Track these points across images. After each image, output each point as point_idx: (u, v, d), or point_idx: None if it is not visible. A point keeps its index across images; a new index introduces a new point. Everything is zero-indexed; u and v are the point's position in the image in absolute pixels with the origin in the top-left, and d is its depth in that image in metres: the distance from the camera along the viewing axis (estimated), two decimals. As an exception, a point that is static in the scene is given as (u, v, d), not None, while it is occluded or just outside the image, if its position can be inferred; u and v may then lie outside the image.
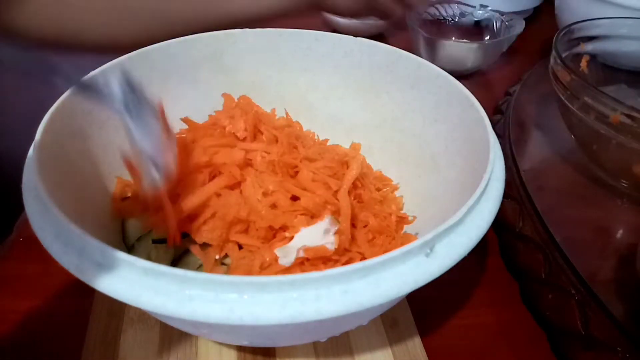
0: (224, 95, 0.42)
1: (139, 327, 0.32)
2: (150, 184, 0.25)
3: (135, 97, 0.23)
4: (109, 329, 0.32)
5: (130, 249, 0.32)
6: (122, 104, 0.23)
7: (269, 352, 0.31)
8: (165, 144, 0.25)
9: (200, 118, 0.41)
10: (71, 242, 0.22)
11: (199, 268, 0.31)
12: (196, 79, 0.41)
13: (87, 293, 0.34)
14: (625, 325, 0.30)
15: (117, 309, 0.33)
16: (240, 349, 0.31)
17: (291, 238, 0.31)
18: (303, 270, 0.30)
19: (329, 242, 0.30)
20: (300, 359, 0.31)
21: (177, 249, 0.32)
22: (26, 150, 0.27)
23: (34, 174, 0.25)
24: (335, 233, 0.31)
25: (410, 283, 0.22)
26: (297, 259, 0.30)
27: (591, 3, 0.60)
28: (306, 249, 0.30)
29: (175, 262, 0.32)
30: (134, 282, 0.21)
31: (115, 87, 0.23)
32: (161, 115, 0.26)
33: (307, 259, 0.30)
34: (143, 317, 0.33)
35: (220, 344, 0.31)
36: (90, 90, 0.22)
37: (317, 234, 0.31)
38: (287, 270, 0.30)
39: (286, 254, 0.30)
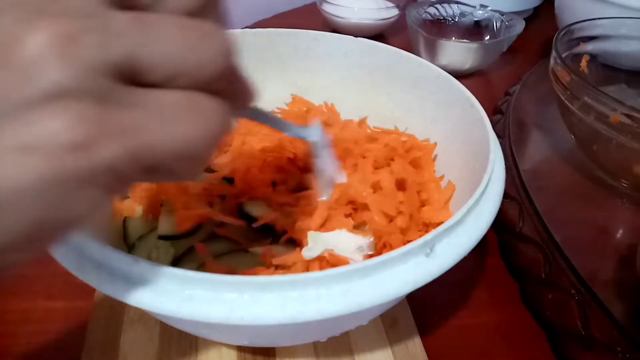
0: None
1: (139, 327, 0.32)
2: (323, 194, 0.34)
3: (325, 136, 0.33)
4: (109, 329, 0.32)
5: (130, 249, 0.32)
6: (318, 142, 0.32)
7: (269, 352, 0.31)
8: (335, 171, 0.34)
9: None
10: (71, 242, 0.22)
11: (199, 268, 0.31)
12: (196, 79, 0.41)
13: (87, 293, 0.34)
14: (625, 325, 0.30)
15: (117, 309, 0.33)
16: (240, 349, 0.31)
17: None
18: (321, 268, 0.30)
19: (357, 260, 0.30)
20: (300, 359, 0.31)
21: (178, 249, 0.32)
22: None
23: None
24: (365, 257, 0.31)
25: (410, 283, 0.22)
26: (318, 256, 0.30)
27: (591, 3, 0.60)
28: (331, 254, 0.30)
29: (176, 262, 0.32)
30: (134, 282, 0.21)
31: (317, 131, 0.32)
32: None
33: (327, 261, 0.30)
34: (143, 317, 0.33)
35: (220, 344, 0.31)
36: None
37: (350, 245, 0.31)
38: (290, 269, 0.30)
39: (315, 244, 0.30)
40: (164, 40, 0.14)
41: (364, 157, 0.36)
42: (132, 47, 0.13)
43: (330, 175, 0.33)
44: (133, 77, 0.14)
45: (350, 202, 0.33)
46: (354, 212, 0.33)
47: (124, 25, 0.13)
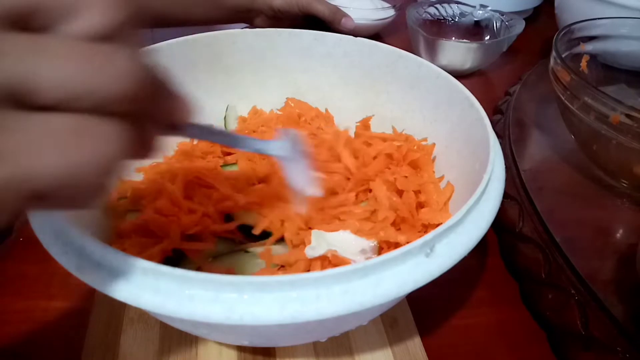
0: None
1: (139, 327, 0.32)
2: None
3: (295, 148, 0.30)
4: (109, 329, 0.32)
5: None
6: (287, 156, 0.29)
7: (269, 352, 0.31)
8: (309, 180, 0.32)
9: (200, 118, 0.41)
10: (71, 242, 0.22)
11: (199, 268, 0.31)
12: (196, 79, 0.41)
13: (87, 293, 0.34)
14: (625, 325, 0.30)
15: (117, 309, 0.33)
16: (240, 349, 0.31)
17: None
18: (323, 268, 0.30)
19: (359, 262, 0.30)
20: (300, 359, 0.31)
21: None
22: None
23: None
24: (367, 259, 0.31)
25: (410, 283, 0.22)
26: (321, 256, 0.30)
27: (591, 3, 0.60)
28: (334, 255, 0.30)
29: (176, 262, 0.32)
30: (134, 282, 0.21)
31: (287, 144, 0.29)
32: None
33: (330, 261, 0.30)
34: (143, 317, 0.33)
35: (220, 344, 0.31)
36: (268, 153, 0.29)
37: (354, 247, 0.30)
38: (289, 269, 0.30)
39: (318, 243, 0.30)
40: (56, 63, 0.13)
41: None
42: (19, 70, 0.13)
43: (303, 189, 0.31)
44: (22, 100, 0.13)
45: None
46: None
47: (14, 47, 0.13)
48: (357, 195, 0.35)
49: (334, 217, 0.34)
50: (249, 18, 0.64)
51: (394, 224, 0.33)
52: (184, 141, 0.41)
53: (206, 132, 0.24)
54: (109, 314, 0.33)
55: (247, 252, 0.32)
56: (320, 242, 0.30)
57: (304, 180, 0.31)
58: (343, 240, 0.30)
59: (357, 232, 0.32)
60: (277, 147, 0.29)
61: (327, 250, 0.30)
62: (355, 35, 0.41)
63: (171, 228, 0.31)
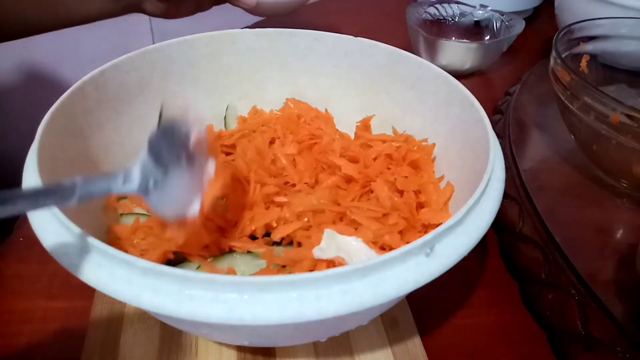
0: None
1: (139, 327, 0.32)
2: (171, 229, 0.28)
3: (159, 165, 0.25)
4: (109, 329, 0.32)
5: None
6: (139, 189, 0.24)
7: (269, 352, 0.31)
8: (190, 196, 0.27)
9: (199, 118, 0.41)
10: (71, 242, 0.22)
11: (199, 268, 0.31)
12: (196, 79, 0.41)
13: (87, 293, 0.34)
14: (625, 325, 0.30)
15: (117, 309, 0.33)
16: (240, 349, 0.31)
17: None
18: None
19: None
20: (300, 359, 0.31)
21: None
22: (26, 150, 0.27)
23: (34, 174, 0.25)
24: None
25: (410, 283, 0.22)
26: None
27: (591, 3, 0.60)
28: (340, 263, 0.29)
29: (176, 262, 0.32)
30: (134, 282, 0.21)
31: (136, 174, 0.24)
32: (202, 145, 0.28)
33: (335, 266, 0.30)
34: (143, 317, 0.33)
35: (220, 344, 0.31)
36: (109, 191, 0.24)
37: (362, 257, 0.30)
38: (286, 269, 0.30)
39: (328, 245, 0.30)
40: None
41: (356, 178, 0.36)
42: None
43: (173, 218, 0.27)
44: None
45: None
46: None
47: None
48: (360, 196, 0.35)
49: (342, 213, 0.34)
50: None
51: (400, 231, 0.32)
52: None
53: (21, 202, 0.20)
54: (109, 314, 0.33)
55: (248, 252, 0.32)
56: (330, 243, 0.30)
57: (181, 200, 0.26)
58: (353, 248, 0.30)
59: (369, 243, 0.31)
60: (124, 180, 0.23)
61: (335, 256, 0.29)
62: (263, 15, 0.40)
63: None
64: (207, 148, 0.29)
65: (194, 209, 0.27)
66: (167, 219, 0.27)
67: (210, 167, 0.29)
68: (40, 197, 0.21)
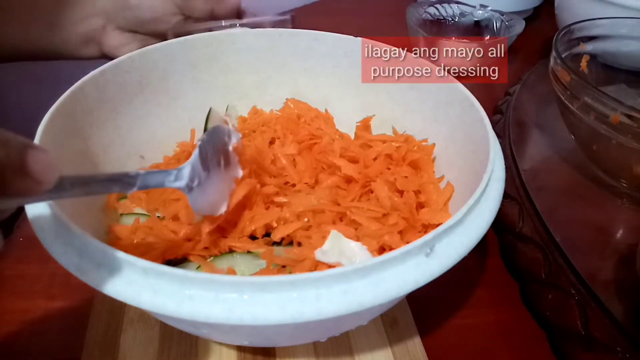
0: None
1: (139, 327, 0.32)
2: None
3: (205, 167, 0.27)
4: (109, 329, 0.32)
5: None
6: (186, 187, 0.26)
7: (269, 352, 0.31)
8: (222, 197, 0.30)
9: (200, 118, 0.41)
10: (71, 242, 0.22)
11: (199, 268, 0.31)
12: (196, 79, 0.41)
13: (87, 293, 0.34)
14: (625, 325, 0.30)
15: (117, 309, 0.33)
16: (240, 349, 0.31)
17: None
18: None
19: None
20: (300, 359, 0.31)
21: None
22: (26, 150, 0.27)
23: (34, 174, 0.25)
24: None
25: (410, 283, 0.22)
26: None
27: (591, 3, 0.60)
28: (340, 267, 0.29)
29: (176, 262, 0.32)
30: (134, 282, 0.21)
31: (186, 173, 0.26)
32: (233, 159, 0.31)
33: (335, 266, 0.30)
34: (143, 317, 0.33)
35: (220, 344, 0.31)
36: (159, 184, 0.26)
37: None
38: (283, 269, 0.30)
39: (332, 247, 0.29)
40: None
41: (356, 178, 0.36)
42: None
43: (213, 211, 0.30)
44: None
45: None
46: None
47: None
48: (360, 196, 0.35)
49: (342, 213, 0.34)
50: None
51: (400, 231, 0.32)
52: (184, 141, 0.41)
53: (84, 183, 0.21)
54: (109, 314, 0.33)
55: (248, 252, 0.32)
56: (334, 246, 0.29)
57: (215, 200, 0.29)
58: (357, 254, 0.30)
59: (374, 252, 0.31)
60: (175, 177, 0.26)
61: (336, 261, 0.29)
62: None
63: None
64: (240, 156, 0.32)
65: (223, 209, 0.30)
66: (200, 214, 0.30)
67: (239, 173, 0.32)
68: (109, 183, 0.23)
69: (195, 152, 0.27)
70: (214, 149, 0.29)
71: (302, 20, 0.48)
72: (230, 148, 0.31)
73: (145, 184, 0.24)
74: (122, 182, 0.23)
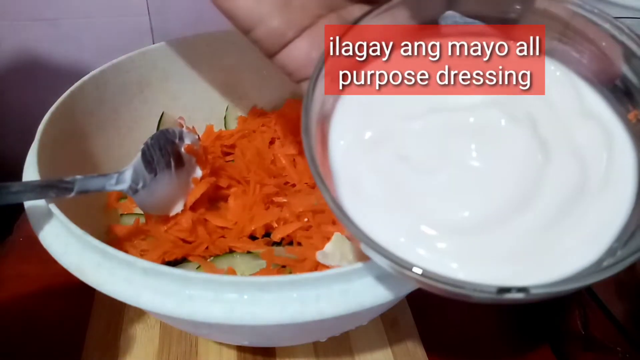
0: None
1: (139, 327, 0.32)
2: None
3: (150, 169, 0.28)
4: (109, 329, 0.32)
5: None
6: (129, 189, 0.27)
7: (269, 352, 0.31)
8: (174, 198, 0.31)
9: (200, 118, 0.41)
10: (71, 242, 0.22)
11: (199, 268, 0.31)
12: (196, 79, 0.41)
13: (87, 293, 0.34)
14: (625, 325, 0.30)
15: (117, 309, 0.33)
16: (240, 349, 0.31)
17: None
18: None
19: None
20: (300, 359, 0.31)
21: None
22: (26, 150, 0.27)
23: (34, 174, 0.25)
24: None
25: (410, 283, 0.22)
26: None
27: (591, 3, 0.59)
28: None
29: (176, 262, 0.32)
30: (134, 282, 0.21)
31: (128, 176, 0.27)
32: (189, 160, 0.32)
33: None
34: (143, 317, 0.33)
35: (220, 344, 0.31)
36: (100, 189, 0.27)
37: None
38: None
39: (334, 249, 0.29)
40: None
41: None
42: None
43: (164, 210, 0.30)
44: None
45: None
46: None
47: None
48: None
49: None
50: None
51: None
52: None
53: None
54: (109, 314, 0.33)
55: (248, 252, 0.32)
56: (336, 249, 0.29)
57: (165, 200, 0.30)
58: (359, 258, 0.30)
59: None
60: (116, 181, 0.27)
61: (337, 265, 0.29)
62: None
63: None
64: (199, 157, 0.32)
65: (178, 208, 0.31)
66: (150, 214, 0.30)
67: (198, 173, 0.32)
68: (44, 189, 0.23)
69: (138, 155, 0.28)
70: (162, 151, 0.29)
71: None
72: (182, 149, 0.31)
73: (85, 188, 0.25)
74: (58, 187, 0.24)
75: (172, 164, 0.30)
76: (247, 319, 0.20)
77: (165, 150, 0.30)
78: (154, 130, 0.39)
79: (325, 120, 0.21)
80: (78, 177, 0.25)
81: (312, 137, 0.19)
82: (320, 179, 0.18)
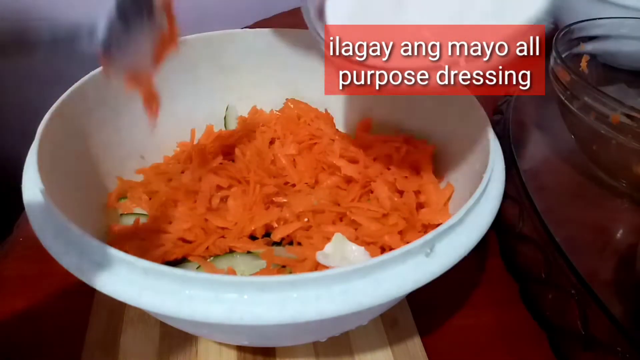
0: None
1: (139, 327, 0.32)
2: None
3: (124, 21, 0.25)
4: (109, 329, 0.32)
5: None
6: (102, 44, 0.24)
7: (269, 352, 0.31)
8: (146, 53, 0.28)
9: (200, 118, 0.41)
10: (71, 242, 0.22)
11: (199, 268, 0.31)
12: (196, 79, 0.41)
13: (87, 293, 0.34)
14: (625, 325, 0.30)
15: (117, 309, 0.33)
16: (240, 349, 0.31)
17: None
18: None
19: None
20: (300, 359, 0.31)
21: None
22: (26, 150, 0.27)
23: (34, 174, 0.25)
24: None
25: (410, 283, 0.22)
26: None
27: (591, 3, 0.59)
28: None
29: (176, 262, 0.32)
30: (134, 282, 0.21)
31: (101, 27, 0.24)
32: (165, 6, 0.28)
33: None
34: (143, 317, 0.33)
35: (220, 344, 0.31)
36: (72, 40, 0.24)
37: None
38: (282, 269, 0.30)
39: (334, 250, 0.29)
40: None
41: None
42: None
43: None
44: None
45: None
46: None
47: None
48: (360, 197, 0.35)
49: (342, 214, 0.33)
50: None
51: (400, 232, 0.32)
52: (184, 141, 0.41)
53: None
54: (109, 314, 0.33)
55: (248, 252, 0.32)
56: (337, 250, 0.29)
57: (136, 56, 0.27)
58: (359, 260, 0.29)
59: (362, 236, 0.31)
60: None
61: (337, 266, 0.29)
62: None
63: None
64: (170, 10, 0.29)
65: (147, 65, 0.28)
66: (120, 72, 0.28)
67: (167, 26, 0.29)
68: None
69: (111, 5, 0.25)
70: (135, 3, 0.26)
71: (302, 20, 0.48)
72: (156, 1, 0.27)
73: (53, 35, 0.23)
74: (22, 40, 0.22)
75: (145, 16, 0.27)
76: (247, 319, 0.20)
77: (138, 2, 0.26)
78: (155, 130, 0.39)
79: None
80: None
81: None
82: None
